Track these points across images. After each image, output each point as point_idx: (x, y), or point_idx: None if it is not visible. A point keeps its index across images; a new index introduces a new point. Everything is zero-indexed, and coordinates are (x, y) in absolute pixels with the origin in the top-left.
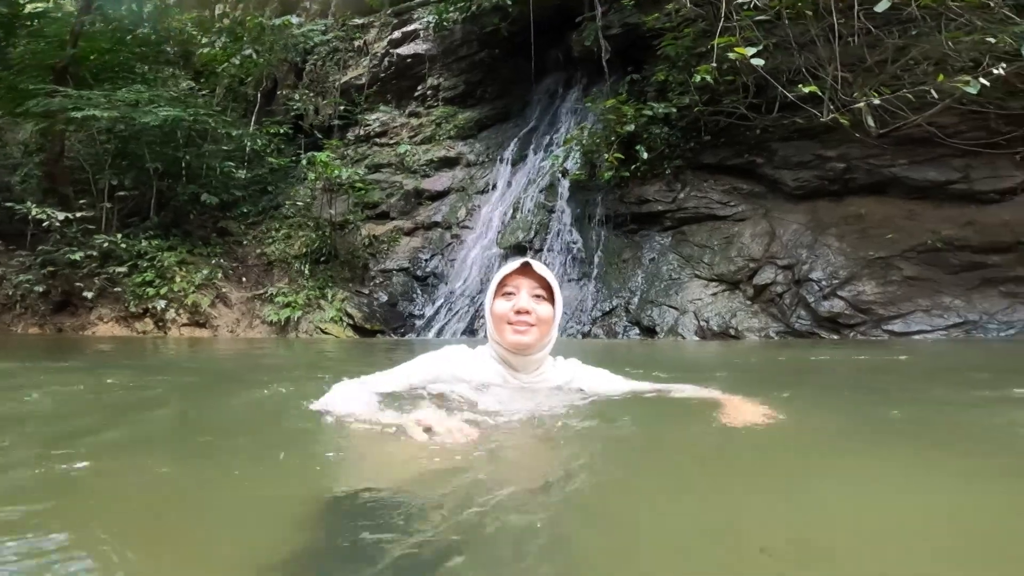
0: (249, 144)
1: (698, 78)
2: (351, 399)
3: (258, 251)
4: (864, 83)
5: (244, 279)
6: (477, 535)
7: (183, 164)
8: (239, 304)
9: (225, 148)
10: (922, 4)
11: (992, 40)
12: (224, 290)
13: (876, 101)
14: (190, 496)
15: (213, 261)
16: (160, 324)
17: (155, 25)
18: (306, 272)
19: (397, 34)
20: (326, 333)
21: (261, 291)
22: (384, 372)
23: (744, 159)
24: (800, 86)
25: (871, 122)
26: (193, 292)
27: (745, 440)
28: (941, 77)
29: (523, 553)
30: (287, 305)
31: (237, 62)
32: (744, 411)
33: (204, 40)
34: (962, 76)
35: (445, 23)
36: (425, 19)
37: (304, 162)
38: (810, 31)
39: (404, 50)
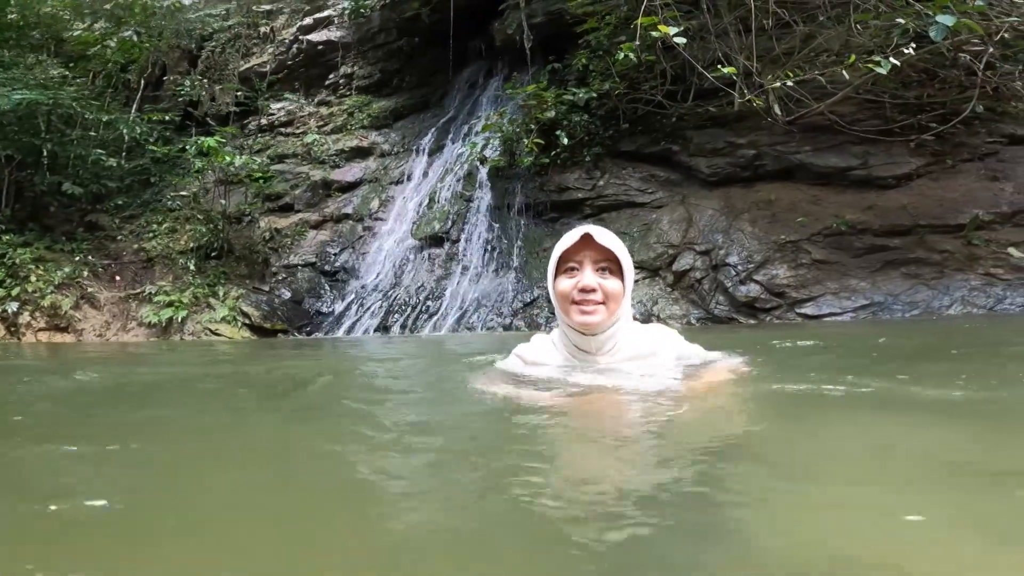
0: (127, 132)
1: (621, 55)
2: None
3: (135, 247)
4: (771, 72)
5: (118, 277)
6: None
7: (44, 153)
8: (110, 305)
9: (93, 135)
10: None
11: (901, 21)
12: (91, 290)
13: (789, 83)
14: None
15: (77, 258)
16: (12, 329)
17: (22, 10)
18: (192, 268)
19: (308, 20)
20: (217, 334)
21: (138, 290)
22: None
23: (661, 146)
24: (720, 66)
25: (778, 110)
26: (51, 292)
27: None
28: (852, 58)
29: None
30: (169, 305)
31: (113, 45)
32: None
33: (81, 24)
34: (873, 57)
35: (362, 10)
36: (341, 5)
37: (191, 149)
38: (723, 21)
39: (315, 37)
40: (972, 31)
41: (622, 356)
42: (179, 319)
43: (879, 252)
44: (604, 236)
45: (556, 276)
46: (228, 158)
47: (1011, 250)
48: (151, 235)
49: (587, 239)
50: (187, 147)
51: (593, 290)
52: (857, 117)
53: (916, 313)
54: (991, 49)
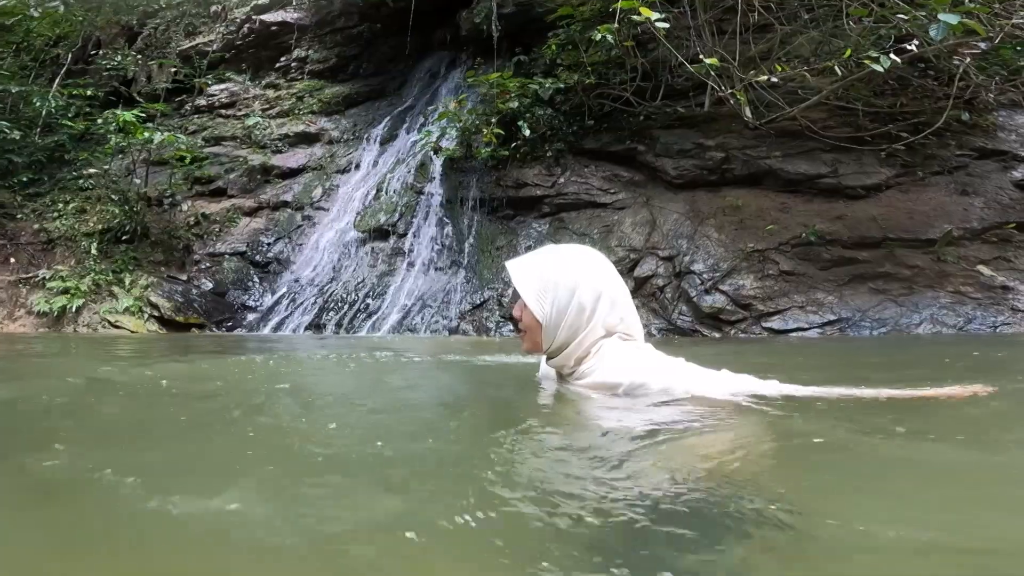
0: (42, 105)
1: (598, 36)
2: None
3: (36, 227)
4: (743, 75)
5: (12, 259)
6: None
7: None
8: None
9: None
10: None
11: (903, 17)
12: None
13: (775, 79)
14: None
15: None
16: None
17: None
18: (94, 252)
19: (264, 0)
20: (117, 327)
21: (31, 274)
22: None
23: (626, 145)
24: (702, 57)
25: (748, 113)
26: None
27: None
28: (848, 52)
29: None
30: (64, 292)
31: (36, 14)
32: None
33: None
34: (870, 54)
35: None
36: None
37: (108, 125)
38: (699, 20)
39: (270, 17)
40: (973, 32)
41: (587, 383)
42: (73, 308)
43: (847, 265)
44: (514, 268)
45: None
46: (147, 134)
47: (981, 267)
48: (56, 215)
49: None
50: (99, 120)
51: (517, 320)
52: (828, 124)
53: (884, 331)
54: (968, 59)
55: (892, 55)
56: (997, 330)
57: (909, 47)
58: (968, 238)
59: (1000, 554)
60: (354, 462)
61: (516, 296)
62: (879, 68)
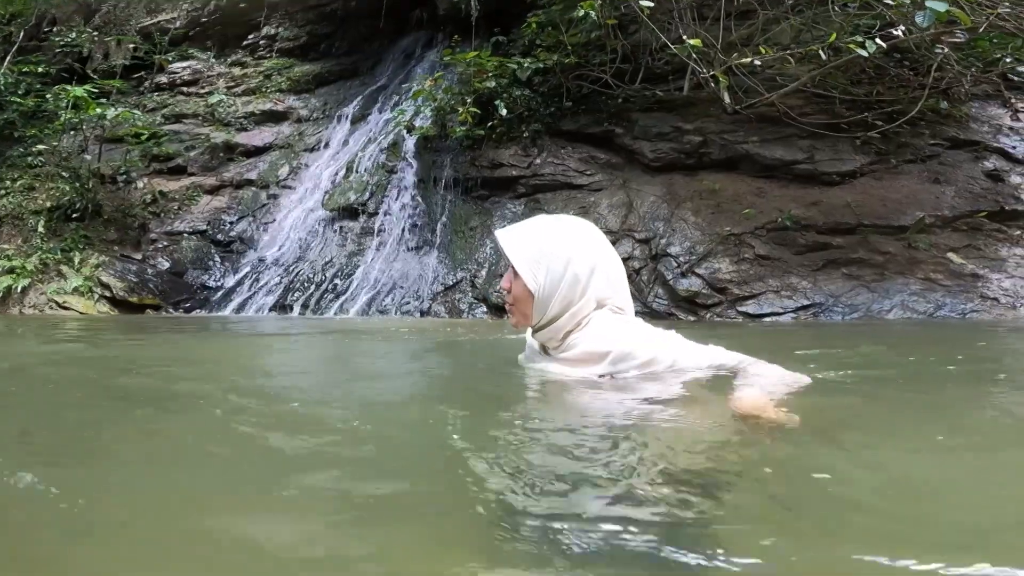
0: None
1: (581, 12)
2: None
3: None
4: (725, 58)
5: None
6: None
7: None
8: None
9: None
10: None
11: (890, 3)
12: None
13: (758, 62)
14: None
15: None
16: None
17: None
18: (41, 230)
19: None
20: (66, 308)
21: None
22: None
23: (603, 128)
24: (685, 38)
25: (727, 97)
26: None
27: None
28: (833, 36)
29: None
30: (10, 272)
31: None
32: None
33: None
34: (855, 38)
35: None
36: None
37: (58, 100)
38: (681, 4)
39: None
40: (960, 21)
41: (573, 354)
42: (18, 289)
43: (821, 250)
44: (503, 237)
45: None
46: (99, 109)
47: (951, 255)
48: (3, 192)
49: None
50: (48, 96)
51: (507, 291)
52: (805, 111)
53: (856, 316)
54: (946, 49)
55: (878, 40)
56: (966, 317)
57: (895, 31)
58: (939, 226)
59: None
60: (334, 450)
61: (511, 265)
62: (864, 53)
